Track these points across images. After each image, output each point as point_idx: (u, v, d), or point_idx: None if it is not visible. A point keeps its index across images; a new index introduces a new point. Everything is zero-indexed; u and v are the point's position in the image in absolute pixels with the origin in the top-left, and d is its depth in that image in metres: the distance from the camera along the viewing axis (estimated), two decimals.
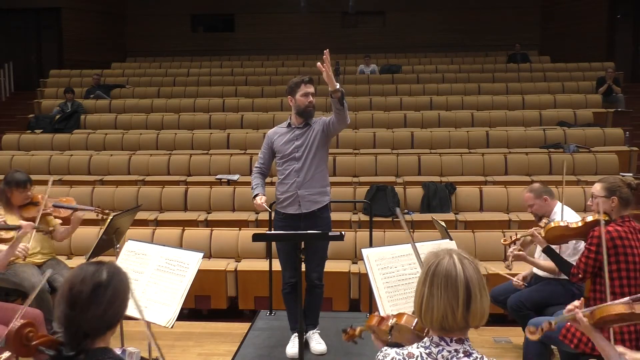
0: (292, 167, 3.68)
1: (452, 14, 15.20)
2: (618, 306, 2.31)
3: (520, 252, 3.62)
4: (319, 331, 3.90)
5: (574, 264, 3.09)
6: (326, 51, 3.33)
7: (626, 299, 2.36)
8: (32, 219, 3.87)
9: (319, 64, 3.34)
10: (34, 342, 1.64)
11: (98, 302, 1.62)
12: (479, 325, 1.65)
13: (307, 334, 3.85)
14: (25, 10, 14.46)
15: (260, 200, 3.63)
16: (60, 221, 4.20)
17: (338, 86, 3.41)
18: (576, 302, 2.58)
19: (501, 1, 14.94)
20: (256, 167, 3.88)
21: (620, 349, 2.39)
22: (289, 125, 3.77)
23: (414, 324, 1.98)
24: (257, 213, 6.62)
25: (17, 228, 3.51)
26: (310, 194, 3.66)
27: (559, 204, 3.84)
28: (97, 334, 1.65)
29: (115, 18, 15.75)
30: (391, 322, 2.04)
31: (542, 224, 3.60)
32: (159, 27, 15.80)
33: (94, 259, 1.80)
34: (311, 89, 3.68)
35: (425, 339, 1.68)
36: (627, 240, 2.87)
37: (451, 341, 1.63)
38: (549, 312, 3.57)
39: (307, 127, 3.72)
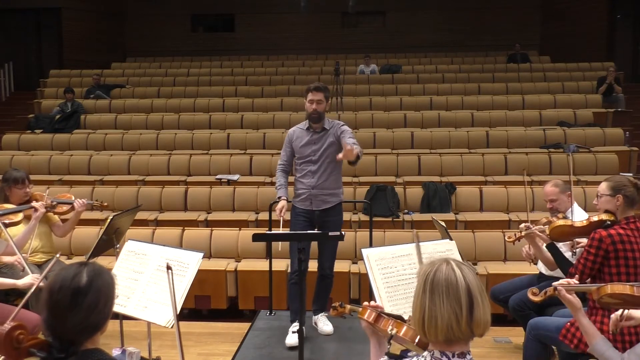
0: (308, 168, 3.94)
1: (452, 14, 15.20)
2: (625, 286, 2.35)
3: (532, 233, 3.54)
4: (326, 314, 4.15)
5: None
6: (339, 155, 3.54)
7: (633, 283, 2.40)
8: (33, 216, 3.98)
9: (339, 155, 3.55)
10: (25, 345, 1.63)
11: (78, 309, 1.58)
12: (483, 333, 1.61)
13: (316, 316, 4.14)
14: (25, 10, 14.46)
15: (281, 209, 3.79)
16: (58, 218, 4.27)
17: (358, 154, 3.60)
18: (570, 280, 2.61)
19: (501, 1, 14.94)
20: (280, 164, 4.10)
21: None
22: (308, 128, 3.98)
23: (416, 340, 1.96)
24: (257, 213, 6.63)
25: (29, 208, 3.80)
26: (322, 194, 3.93)
27: (575, 203, 3.86)
28: (83, 338, 1.62)
29: (115, 18, 15.74)
30: (391, 331, 2.02)
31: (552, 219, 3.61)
32: (159, 27, 15.80)
33: (77, 261, 1.77)
34: (317, 96, 3.89)
35: (426, 353, 1.65)
36: (629, 244, 2.85)
37: (453, 356, 1.60)
38: (550, 312, 3.57)
39: (324, 131, 3.94)
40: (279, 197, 3.92)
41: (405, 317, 2.12)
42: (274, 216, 4.62)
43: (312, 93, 3.89)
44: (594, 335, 2.49)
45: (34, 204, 3.88)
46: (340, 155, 3.55)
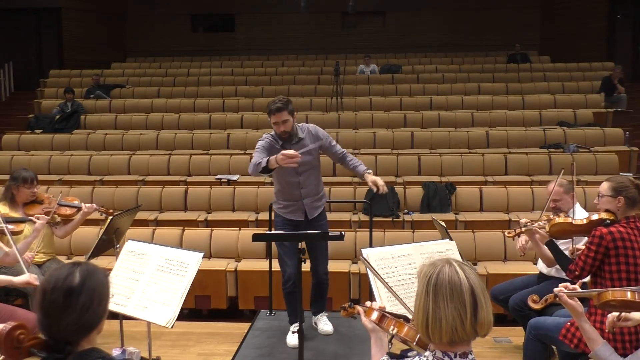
0: (294, 180, 3.80)
1: (452, 14, 15.20)
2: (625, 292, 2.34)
3: (533, 228, 3.46)
4: (326, 314, 4.16)
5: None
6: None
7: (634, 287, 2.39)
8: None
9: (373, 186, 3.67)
10: (25, 345, 1.62)
11: (72, 308, 1.57)
12: (486, 333, 1.60)
13: (316, 317, 4.13)
14: (25, 10, 14.46)
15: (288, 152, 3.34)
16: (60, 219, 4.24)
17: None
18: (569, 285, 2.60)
19: (501, 1, 14.94)
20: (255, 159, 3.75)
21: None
22: (283, 144, 3.72)
23: (416, 340, 1.97)
24: (257, 213, 6.63)
25: (31, 220, 3.76)
26: (313, 201, 3.87)
27: (577, 203, 3.85)
28: (79, 337, 1.61)
29: (115, 18, 15.74)
30: (392, 331, 2.03)
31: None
32: (159, 27, 15.80)
33: (70, 261, 1.76)
34: (281, 118, 3.61)
35: (427, 353, 1.64)
36: (630, 242, 2.85)
37: (455, 356, 1.59)
38: (550, 311, 3.56)
39: (300, 140, 3.76)
40: (269, 159, 3.45)
41: (410, 316, 2.13)
42: (274, 216, 4.62)
43: (274, 115, 3.61)
44: (596, 340, 2.48)
45: (37, 216, 3.82)
46: (374, 188, 3.62)
